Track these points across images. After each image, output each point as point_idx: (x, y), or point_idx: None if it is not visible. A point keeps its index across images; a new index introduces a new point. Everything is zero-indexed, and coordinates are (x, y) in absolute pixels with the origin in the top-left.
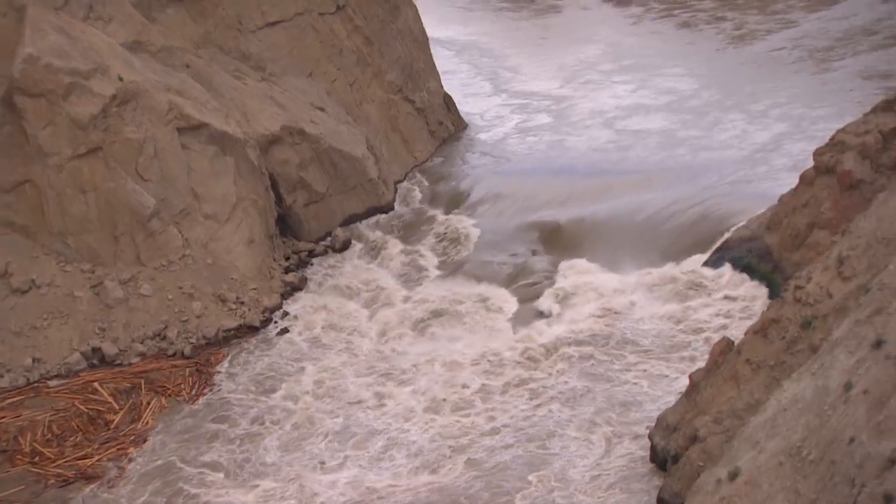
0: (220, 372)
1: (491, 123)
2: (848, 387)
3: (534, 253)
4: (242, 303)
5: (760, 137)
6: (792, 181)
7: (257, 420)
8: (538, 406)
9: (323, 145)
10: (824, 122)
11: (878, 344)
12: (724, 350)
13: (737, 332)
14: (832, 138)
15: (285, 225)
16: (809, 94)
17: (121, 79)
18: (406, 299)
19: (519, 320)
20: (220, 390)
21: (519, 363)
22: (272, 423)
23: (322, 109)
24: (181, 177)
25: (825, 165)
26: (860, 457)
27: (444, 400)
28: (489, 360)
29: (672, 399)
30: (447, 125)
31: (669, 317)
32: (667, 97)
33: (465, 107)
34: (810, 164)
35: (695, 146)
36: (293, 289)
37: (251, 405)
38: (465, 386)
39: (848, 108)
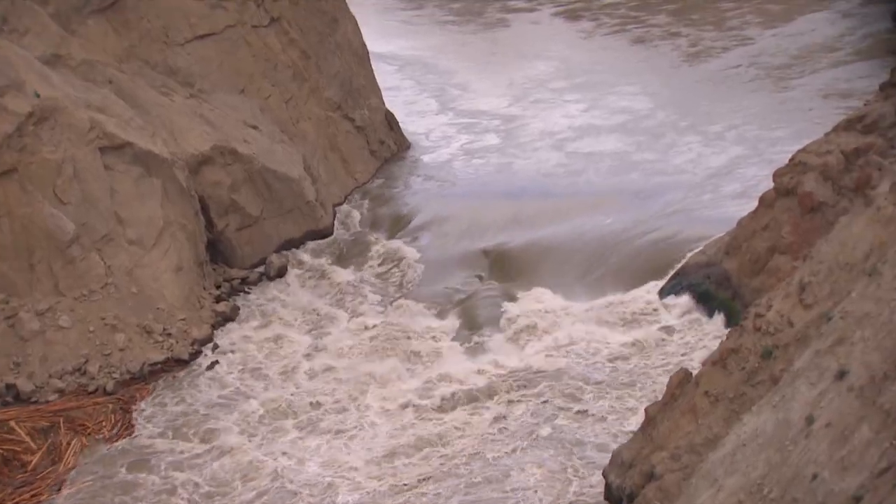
0: (144, 409)
1: (436, 144)
2: (810, 420)
3: (481, 280)
4: (170, 334)
5: (717, 161)
6: (750, 205)
7: (179, 466)
8: (484, 445)
9: (256, 166)
10: (783, 144)
11: (841, 375)
12: (682, 382)
13: (695, 363)
14: (792, 159)
15: (216, 251)
16: (767, 114)
17: (37, 95)
18: (346, 330)
19: (466, 352)
20: (143, 429)
21: (465, 398)
22: (195, 467)
23: (255, 128)
24: (103, 200)
25: (785, 187)
26: (823, 494)
27: (384, 443)
28: (434, 397)
29: (628, 435)
30: (389, 144)
31: (624, 347)
32: (620, 117)
33: (408, 126)
34: (769, 187)
35: (649, 170)
36: (225, 319)
37: (175, 447)
38: (407, 427)
39: (807, 129)
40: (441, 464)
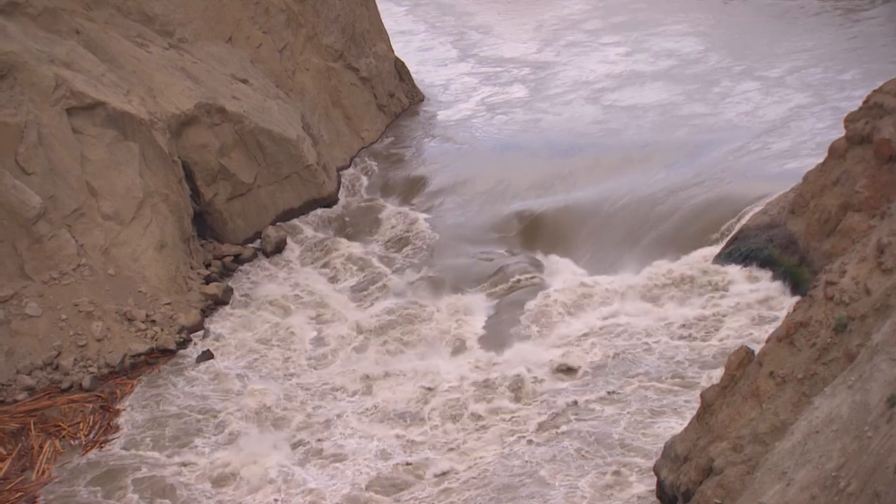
0: (126, 408)
1: (454, 97)
2: (892, 402)
3: (509, 252)
4: (154, 321)
5: (776, 112)
6: (817, 158)
7: (162, 484)
8: (516, 442)
9: (248, 126)
10: (852, 89)
11: None
12: (743, 362)
13: (757, 340)
14: (867, 100)
15: (204, 225)
16: (834, 54)
17: None
18: (355, 312)
19: (492, 337)
20: (124, 432)
21: (493, 390)
22: (183, 486)
23: (245, 82)
24: (73, 169)
25: (859, 134)
26: None
27: (401, 441)
28: (455, 388)
29: (681, 424)
30: (400, 98)
31: (675, 325)
32: (666, 62)
33: (422, 76)
34: (838, 136)
35: (699, 126)
36: (216, 303)
37: (159, 458)
38: (424, 420)
39: (881, 70)
40: (453, 468)
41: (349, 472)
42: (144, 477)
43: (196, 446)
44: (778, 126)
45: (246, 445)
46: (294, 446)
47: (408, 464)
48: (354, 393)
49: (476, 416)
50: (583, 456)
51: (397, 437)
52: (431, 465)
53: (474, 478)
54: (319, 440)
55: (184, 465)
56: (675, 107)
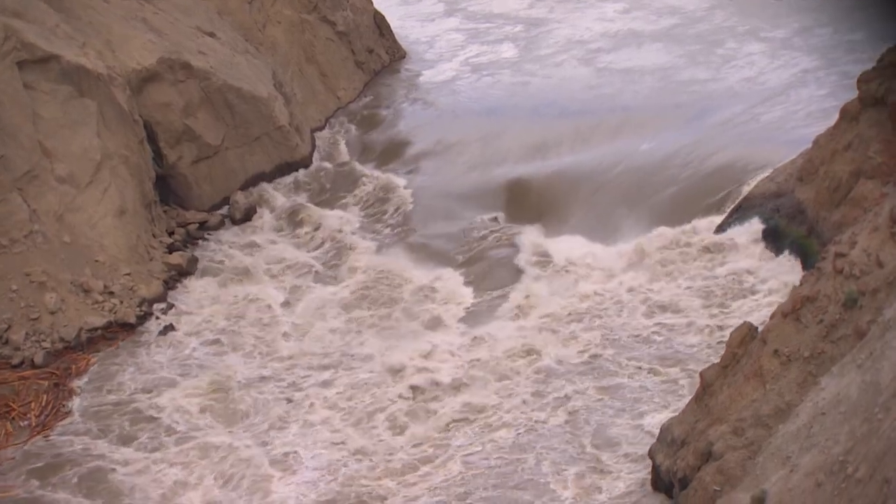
0: (82, 387)
1: (439, 55)
2: None
3: (496, 220)
4: (112, 293)
5: (782, 77)
6: (826, 122)
7: (119, 472)
8: (499, 428)
9: (215, 83)
10: (863, 50)
11: None
12: (745, 339)
13: (761, 316)
14: (882, 59)
15: (168, 189)
16: (846, 12)
17: None
18: (329, 284)
19: (475, 312)
20: (76, 416)
21: (477, 371)
22: (147, 472)
23: (212, 35)
24: (25, 127)
25: (873, 95)
26: None
27: (371, 430)
28: (434, 370)
29: (679, 406)
30: (379, 54)
31: (674, 299)
32: (668, 20)
33: (404, 31)
34: (850, 98)
35: (699, 93)
36: (180, 273)
37: (115, 452)
38: (400, 402)
39: (894, 30)
40: (431, 456)
41: (312, 473)
42: (89, 470)
43: (153, 437)
44: (783, 91)
45: (205, 436)
46: (257, 438)
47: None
48: (325, 373)
49: (454, 402)
50: (571, 445)
51: (362, 430)
52: (404, 461)
53: (456, 474)
54: (283, 427)
55: (133, 458)
56: (675, 70)
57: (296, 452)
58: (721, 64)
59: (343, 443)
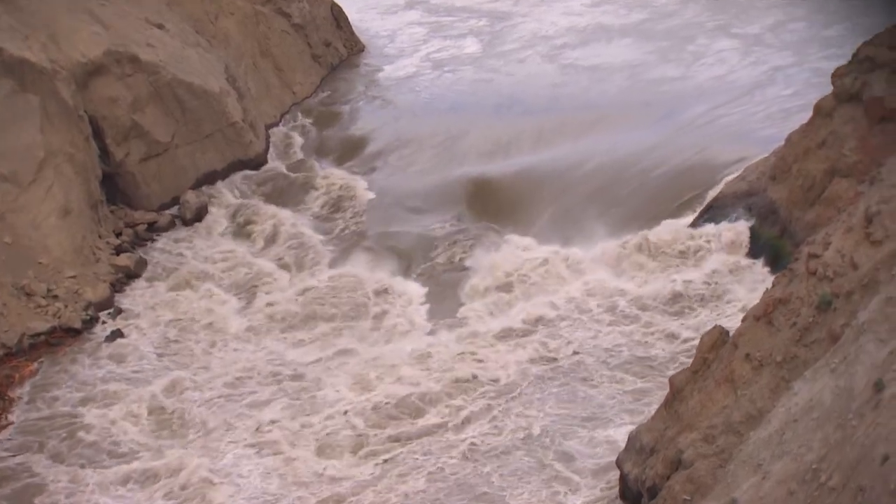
0: (22, 396)
1: (399, 49)
2: (879, 387)
3: (457, 221)
4: (56, 297)
5: (753, 74)
6: (799, 119)
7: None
8: (458, 443)
9: (164, 77)
10: (838, 46)
11: None
12: (716, 343)
13: (732, 320)
14: (856, 53)
15: (115, 188)
16: (819, 6)
17: None
18: (284, 288)
19: (435, 318)
20: (15, 428)
21: (437, 380)
22: (82, 487)
23: (161, 27)
24: None
25: (847, 91)
26: None
27: (331, 445)
28: (394, 379)
29: (646, 415)
30: (337, 48)
31: (641, 304)
32: (638, 14)
33: (362, 24)
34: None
35: (668, 93)
36: (128, 276)
37: (53, 461)
38: (353, 416)
39: (870, 24)
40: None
41: (258, 491)
42: (24, 486)
43: (95, 452)
44: (753, 89)
45: (148, 452)
46: (203, 454)
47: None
48: (277, 385)
49: (411, 414)
50: (532, 457)
51: (314, 445)
52: (356, 479)
53: (415, 490)
54: (230, 443)
55: (75, 477)
56: (645, 68)
57: (241, 472)
58: (691, 61)
59: (295, 459)
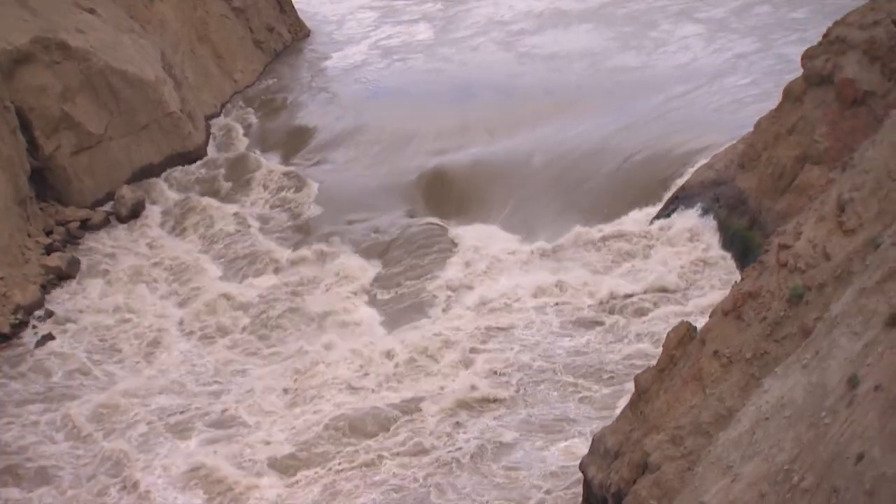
0: None
1: (347, 35)
2: (853, 382)
3: (409, 215)
4: None
5: (717, 61)
6: (768, 105)
7: None
8: (416, 454)
9: (96, 65)
10: (806, 29)
11: (894, 320)
12: (683, 340)
13: (699, 313)
14: (827, 34)
15: (45, 184)
16: None
17: None
18: (226, 288)
19: (387, 318)
20: None
21: (391, 381)
22: None
23: (92, 12)
24: None
25: (818, 73)
26: (872, 480)
27: (274, 457)
28: (345, 384)
29: (611, 416)
30: (280, 33)
31: (604, 297)
32: None
33: (308, 7)
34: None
35: (628, 81)
36: (60, 277)
37: None
38: (302, 429)
39: (838, 5)
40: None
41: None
42: None
43: (18, 477)
44: (717, 76)
45: (75, 480)
46: (142, 469)
47: None
48: (219, 397)
49: (355, 427)
50: (486, 466)
51: (259, 457)
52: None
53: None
54: (165, 469)
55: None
56: (605, 55)
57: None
58: (653, 48)
59: (245, 465)
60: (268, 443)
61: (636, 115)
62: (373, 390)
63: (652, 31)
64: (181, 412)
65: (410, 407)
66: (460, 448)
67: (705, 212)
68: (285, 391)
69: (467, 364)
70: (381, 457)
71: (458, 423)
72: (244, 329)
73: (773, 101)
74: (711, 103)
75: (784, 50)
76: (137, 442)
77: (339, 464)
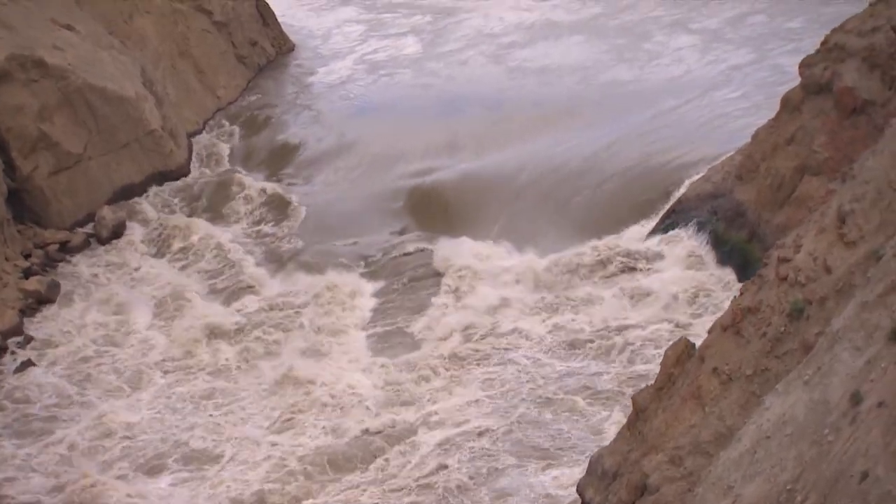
0: None
1: (332, 49)
2: (856, 399)
3: (397, 232)
4: None
5: (713, 72)
6: (765, 116)
7: None
8: (405, 481)
9: (74, 82)
10: (804, 38)
11: None
12: (681, 357)
13: (699, 331)
14: (825, 41)
15: (22, 205)
16: None
17: None
18: (210, 312)
19: (375, 340)
20: None
21: (378, 408)
22: None
23: (70, 28)
24: None
25: (816, 82)
26: (877, 498)
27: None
28: (333, 410)
29: (609, 437)
30: (264, 47)
31: (600, 315)
32: (591, 9)
33: (298, 21)
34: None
35: (622, 94)
36: (39, 301)
37: None
38: (292, 459)
39: (837, 13)
40: None
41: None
42: None
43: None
44: (712, 88)
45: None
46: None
47: None
48: (206, 433)
49: (338, 459)
50: (481, 490)
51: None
52: None
53: None
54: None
55: None
56: (598, 69)
57: None
58: (647, 61)
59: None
60: (245, 480)
61: (628, 128)
62: (360, 419)
63: (645, 42)
64: (160, 443)
65: (398, 434)
66: (451, 475)
67: (702, 226)
68: (267, 419)
69: (457, 387)
70: (366, 489)
71: (447, 448)
72: (226, 358)
73: (767, 114)
74: (702, 116)
75: (779, 60)
76: (116, 476)
77: (325, 497)
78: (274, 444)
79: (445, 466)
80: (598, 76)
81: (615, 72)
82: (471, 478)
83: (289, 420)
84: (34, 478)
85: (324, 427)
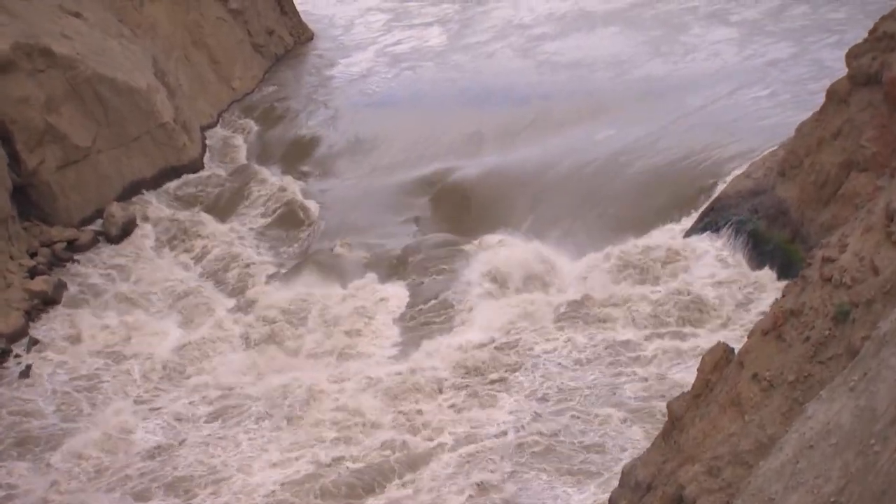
0: None
1: (353, 38)
2: None
3: (419, 226)
4: None
5: (751, 66)
6: (808, 110)
7: None
8: (443, 485)
9: (83, 73)
10: (847, 31)
11: None
12: (720, 363)
13: (738, 335)
14: (874, 30)
15: (28, 201)
16: None
17: None
18: (226, 312)
19: (400, 343)
20: None
21: (406, 413)
22: None
23: (78, 16)
24: None
25: (865, 72)
26: None
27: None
28: (355, 415)
29: (642, 447)
30: (281, 35)
31: (637, 320)
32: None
33: (311, 8)
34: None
35: (658, 88)
36: (45, 302)
37: None
38: (323, 465)
39: (884, 4)
40: None
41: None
42: None
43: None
44: (753, 82)
45: None
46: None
47: None
48: (219, 443)
49: (375, 464)
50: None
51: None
52: None
53: None
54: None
55: None
56: (631, 63)
57: None
58: (683, 54)
59: None
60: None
61: (666, 119)
62: (380, 426)
63: (680, 36)
64: (167, 459)
65: (420, 446)
66: (476, 488)
67: (742, 225)
68: (278, 428)
69: (483, 396)
70: None
71: (471, 460)
72: (246, 357)
73: (796, 113)
74: (747, 111)
75: (819, 55)
76: (131, 492)
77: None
78: (291, 454)
79: (471, 480)
80: (631, 69)
81: (649, 65)
82: (497, 492)
83: (301, 427)
84: (35, 492)
85: (338, 438)
